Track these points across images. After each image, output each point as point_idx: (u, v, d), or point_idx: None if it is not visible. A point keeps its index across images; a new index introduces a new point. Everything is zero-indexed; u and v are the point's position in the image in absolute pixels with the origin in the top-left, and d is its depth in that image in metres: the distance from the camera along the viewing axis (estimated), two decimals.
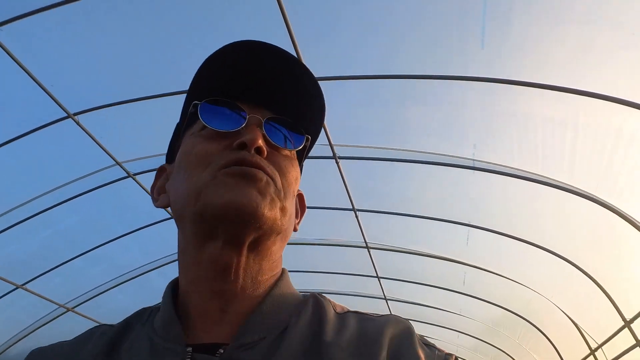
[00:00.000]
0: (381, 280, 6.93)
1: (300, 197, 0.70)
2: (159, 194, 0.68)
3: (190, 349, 0.52)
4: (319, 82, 0.64)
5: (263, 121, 0.60)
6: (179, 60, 3.92)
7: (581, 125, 2.89)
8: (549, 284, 4.90)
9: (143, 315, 0.63)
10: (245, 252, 0.55)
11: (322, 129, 3.56)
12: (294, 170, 0.63)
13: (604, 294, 4.27)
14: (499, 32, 2.64)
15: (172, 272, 6.90)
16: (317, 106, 0.65)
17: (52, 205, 5.33)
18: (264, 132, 0.60)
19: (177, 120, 0.70)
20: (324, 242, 6.25)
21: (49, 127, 4.48)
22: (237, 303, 0.56)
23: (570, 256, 4.32)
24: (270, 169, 0.58)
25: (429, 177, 4.19)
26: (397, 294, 7.39)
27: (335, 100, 3.48)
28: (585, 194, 3.47)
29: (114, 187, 5.35)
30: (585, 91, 2.68)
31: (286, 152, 0.63)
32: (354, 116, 3.70)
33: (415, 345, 0.54)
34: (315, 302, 0.61)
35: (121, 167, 5.16)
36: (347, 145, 4.23)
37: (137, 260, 6.83)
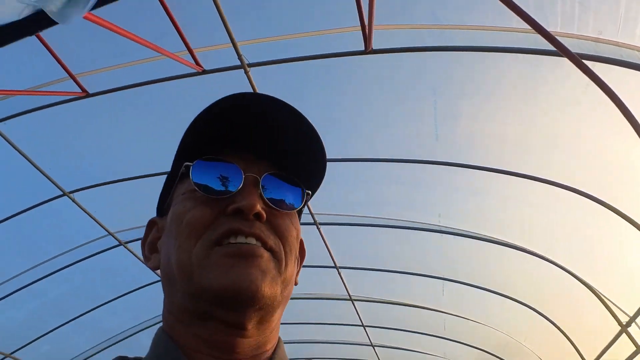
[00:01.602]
0: (367, 328, 7.16)
1: (300, 244, 0.64)
2: (150, 252, 0.64)
3: None
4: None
5: (260, 179, 0.56)
6: (163, 145, 4.31)
7: (525, 199, 3.35)
8: (520, 329, 5.25)
9: None
10: (250, 331, 0.53)
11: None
12: (294, 229, 0.60)
13: (567, 339, 4.68)
14: (448, 128, 3.11)
15: None
16: (318, 159, 0.62)
17: (43, 276, 5.47)
18: (261, 191, 0.56)
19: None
20: (311, 296, 6.50)
21: (45, 204, 4.73)
22: None
23: (535, 305, 4.69)
24: (270, 239, 0.55)
25: (403, 238, 4.59)
26: (383, 341, 7.61)
27: (329, 176, 3.87)
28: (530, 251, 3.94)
29: (104, 255, 5.55)
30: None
31: (287, 207, 0.58)
32: (336, 192, 4.11)
33: None
34: None
35: (113, 236, 5.39)
36: (327, 214, 4.60)
37: (126, 323, 6.91)
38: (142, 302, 6.48)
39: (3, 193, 4.60)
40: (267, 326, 0.55)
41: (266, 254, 0.54)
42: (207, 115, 0.57)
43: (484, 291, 4.94)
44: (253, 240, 0.53)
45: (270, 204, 0.56)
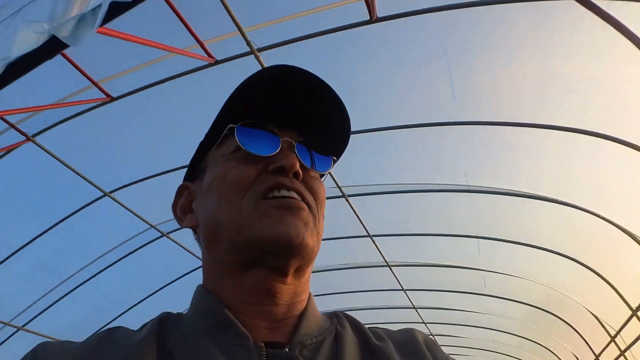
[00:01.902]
0: (407, 292, 7.30)
1: None
2: (184, 213, 0.68)
3: (262, 344, 0.52)
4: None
5: (295, 144, 0.62)
6: (189, 137, 4.48)
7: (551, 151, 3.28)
8: (562, 280, 5.21)
9: (169, 320, 0.61)
10: (289, 278, 0.57)
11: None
12: (323, 190, 0.65)
13: (610, 287, 4.60)
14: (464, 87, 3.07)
15: None
16: (343, 129, 0.67)
17: (98, 271, 5.90)
18: (297, 154, 0.61)
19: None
20: (348, 266, 6.68)
21: (90, 205, 5.06)
22: (283, 318, 0.58)
23: (575, 255, 4.63)
24: (307, 195, 0.60)
25: (432, 202, 4.61)
26: (424, 303, 7.75)
27: (351, 150, 3.94)
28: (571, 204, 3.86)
29: (149, 247, 5.89)
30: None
31: (315, 172, 0.64)
32: (361, 163, 4.17)
33: (440, 348, 0.64)
34: (346, 316, 0.65)
35: (155, 228, 5.70)
36: (354, 186, 4.68)
37: (178, 307, 7.34)
38: (189, 287, 6.86)
39: (51, 200, 4.95)
40: (303, 275, 0.60)
41: (306, 207, 0.59)
42: (242, 90, 0.62)
43: (521, 246, 4.90)
44: (294, 194, 0.58)
45: (305, 165, 0.61)
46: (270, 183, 0.58)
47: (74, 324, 6.39)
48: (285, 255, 0.56)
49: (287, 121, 0.64)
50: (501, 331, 8.12)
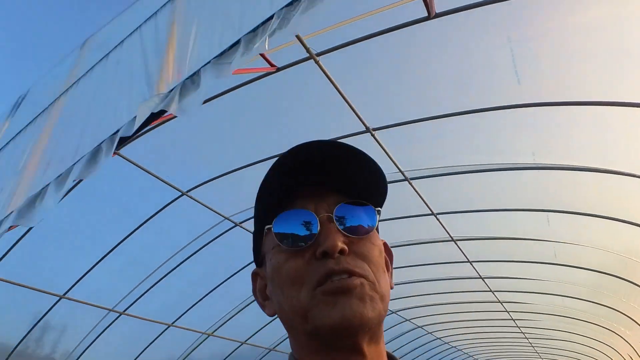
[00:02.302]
0: (473, 264, 7.35)
1: (385, 248, 0.70)
2: (263, 299, 0.70)
3: None
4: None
5: (333, 214, 0.62)
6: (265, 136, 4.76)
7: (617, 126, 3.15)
8: (636, 249, 5.02)
9: None
10: (365, 350, 0.59)
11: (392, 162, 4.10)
12: (375, 246, 0.65)
13: None
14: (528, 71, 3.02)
15: None
16: (379, 178, 0.67)
17: (182, 261, 6.50)
18: (337, 226, 0.61)
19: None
20: (414, 242, 6.82)
21: (171, 204, 5.55)
22: None
23: None
24: (358, 267, 0.60)
25: (500, 180, 4.59)
26: (492, 274, 7.76)
27: (411, 137, 4.05)
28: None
29: (225, 236, 6.37)
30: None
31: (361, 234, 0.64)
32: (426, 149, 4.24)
33: None
34: None
35: (229, 220, 6.14)
36: (418, 169, 4.77)
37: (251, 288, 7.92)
38: None
39: (137, 203, 5.49)
40: (377, 341, 0.62)
41: (358, 281, 0.59)
42: (271, 177, 0.64)
43: (592, 217, 4.77)
44: (345, 276, 0.59)
45: (349, 234, 0.62)
46: (319, 275, 0.59)
47: (166, 307, 7.14)
48: (352, 336, 0.57)
49: (323, 187, 0.65)
50: (572, 297, 7.98)
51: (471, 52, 3.05)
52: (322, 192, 0.65)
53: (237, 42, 1.47)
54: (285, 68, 3.62)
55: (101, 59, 2.82)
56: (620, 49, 2.90)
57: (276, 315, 0.67)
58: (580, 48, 2.94)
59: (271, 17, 1.37)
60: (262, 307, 0.70)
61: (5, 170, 2.90)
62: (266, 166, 4.24)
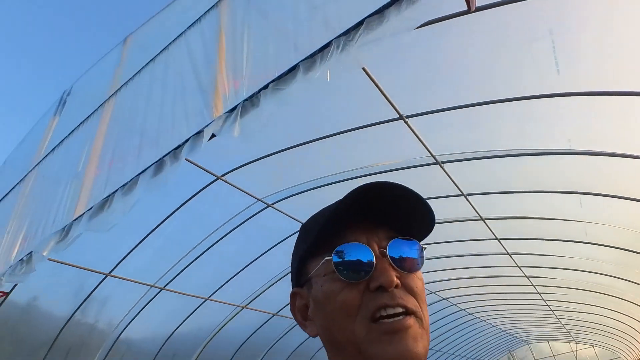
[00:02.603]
0: (501, 241, 7.40)
1: None
2: (303, 319, 0.73)
3: None
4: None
5: (387, 250, 0.66)
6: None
7: None
8: None
9: None
10: None
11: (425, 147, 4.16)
12: (422, 280, 0.69)
13: None
14: (568, 63, 2.98)
15: None
16: (430, 219, 0.71)
17: (217, 240, 6.78)
18: (391, 261, 0.66)
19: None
20: (443, 220, 6.90)
21: (205, 189, 5.76)
22: None
23: None
24: (410, 302, 0.64)
25: (527, 165, 4.59)
26: (519, 250, 7.82)
27: (443, 124, 4.08)
28: None
29: (258, 217, 6.58)
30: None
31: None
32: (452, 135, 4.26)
33: None
34: None
35: (262, 201, 6.34)
36: (450, 153, 4.81)
37: (284, 264, 8.21)
38: (291, 248, 7.61)
39: (175, 187, 5.71)
40: None
41: (411, 320, 0.63)
42: (335, 211, 0.68)
43: (623, 200, 4.76)
44: (399, 309, 0.63)
45: (401, 269, 0.66)
46: (374, 307, 0.63)
47: (202, 283, 7.52)
48: None
49: (380, 219, 0.70)
50: (599, 273, 7.99)
51: (508, 45, 3.02)
52: (371, 226, 0.69)
53: (295, 67, 1.54)
54: None
55: (148, 63, 2.92)
56: None
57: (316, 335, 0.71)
58: (616, 41, 2.87)
59: (329, 45, 1.43)
60: (303, 326, 0.73)
61: (63, 170, 3.08)
62: (300, 151, 4.38)
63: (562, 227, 6.16)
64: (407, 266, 0.67)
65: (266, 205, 6.43)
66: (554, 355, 20.90)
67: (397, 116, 4.26)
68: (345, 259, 0.66)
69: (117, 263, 6.29)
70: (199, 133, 1.81)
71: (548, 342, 20.88)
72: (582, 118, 3.57)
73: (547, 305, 12.30)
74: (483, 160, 4.82)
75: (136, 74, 2.95)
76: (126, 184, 2.02)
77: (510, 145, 4.38)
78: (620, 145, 3.74)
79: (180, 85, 2.24)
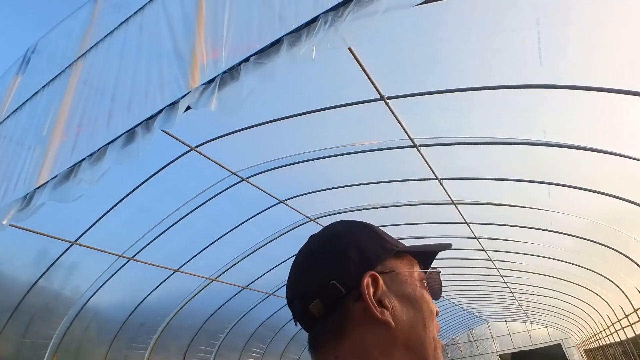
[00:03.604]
0: (470, 225, 7.60)
1: None
2: (381, 306, 0.76)
3: None
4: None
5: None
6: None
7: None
8: (625, 222, 5.16)
9: None
10: None
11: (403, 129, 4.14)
12: None
13: None
14: (553, 54, 2.99)
15: (285, 242, 8.23)
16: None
17: (189, 211, 6.67)
18: None
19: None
20: (415, 203, 7.00)
21: (179, 159, 5.61)
22: None
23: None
24: None
25: (502, 153, 4.67)
26: (487, 235, 8.05)
27: (419, 107, 4.06)
28: None
29: (231, 190, 6.49)
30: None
31: None
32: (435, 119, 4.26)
33: None
34: None
35: (236, 175, 6.24)
36: (427, 137, 4.82)
37: (256, 238, 8.20)
38: (266, 222, 7.58)
39: (148, 156, 5.53)
40: None
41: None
42: (431, 251, 0.89)
43: (589, 192, 4.94)
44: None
45: None
46: (438, 328, 0.80)
47: (172, 255, 7.43)
48: None
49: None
50: (560, 260, 8.35)
51: (492, 33, 3.01)
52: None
53: (279, 41, 1.46)
54: None
55: (121, 24, 2.76)
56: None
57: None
58: (601, 38, 2.90)
59: (316, 19, 1.36)
60: (380, 313, 0.75)
61: (27, 133, 2.92)
62: (277, 126, 4.26)
63: (529, 214, 6.36)
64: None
65: (241, 179, 6.34)
66: (510, 334, 22.01)
67: (378, 96, 4.22)
68: (437, 282, 0.85)
69: (84, 231, 6.12)
70: (174, 104, 1.72)
71: (506, 321, 21.94)
72: (558, 111, 3.62)
73: (509, 287, 12.84)
74: (459, 146, 4.87)
75: (108, 35, 2.78)
76: (94, 152, 1.92)
77: (488, 132, 4.43)
78: (592, 140, 3.84)
79: (156, 51, 2.12)
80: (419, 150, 5.12)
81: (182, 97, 1.67)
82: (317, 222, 8.07)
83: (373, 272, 0.77)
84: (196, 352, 10.22)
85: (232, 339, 10.94)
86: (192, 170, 6.03)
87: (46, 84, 3.14)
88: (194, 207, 6.66)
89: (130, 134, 1.84)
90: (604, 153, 3.88)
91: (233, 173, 6.19)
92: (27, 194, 2.18)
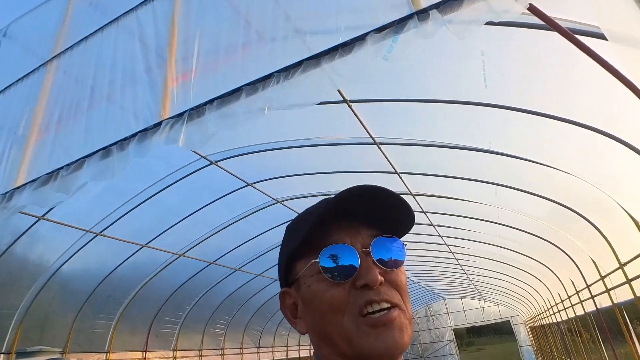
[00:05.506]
0: (427, 214, 8.11)
1: None
2: (294, 317, 0.76)
3: None
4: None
5: (370, 248, 0.70)
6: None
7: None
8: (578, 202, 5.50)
9: None
10: None
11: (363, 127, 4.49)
12: (403, 275, 0.72)
13: (628, 215, 4.63)
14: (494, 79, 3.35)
15: (253, 221, 8.53)
16: (411, 219, 0.75)
17: (159, 190, 6.84)
18: (374, 259, 0.69)
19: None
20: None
21: None
22: None
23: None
24: (394, 296, 0.69)
25: (456, 156, 5.09)
26: (440, 223, 8.61)
27: (385, 113, 4.38)
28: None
29: (201, 172, 6.69)
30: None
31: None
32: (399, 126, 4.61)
33: None
34: None
35: (205, 158, 6.43)
36: (389, 137, 5.19)
37: (224, 217, 8.45)
38: (234, 202, 7.83)
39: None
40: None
41: (396, 313, 0.68)
42: (318, 213, 0.72)
43: (529, 194, 5.51)
44: (384, 304, 0.68)
45: (385, 267, 0.70)
46: (362, 302, 0.68)
47: (141, 231, 7.61)
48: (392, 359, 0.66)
49: (358, 221, 0.74)
50: (505, 248, 9.07)
51: (448, 58, 3.32)
52: (354, 225, 0.73)
53: (239, 90, 1.69)
54: None
55: (96, 31, 2.89)
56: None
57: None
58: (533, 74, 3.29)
59: (270, 76, 1.60)
60: (293, 324, 0.76)
61: (3, 125, 3.04)
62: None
63: (480, 208, 6.90)
64: (390, 263, 0.71)
65: (210, 163, 6.53)
66: (464, 310, 23.42)
67: (342, 99, 4.50)
68: (331, 261, 0.70)
69: (50, 207, 6.21)
70: (145, 131, 1.93)
71: (461, 298, 23.28)
72: (500, 126, 4.04)
73: (463, 269, 13.72)
74: (417, 147, 5.25)
75: (82, 40, 2.90)
76: (72, 163, 2.11)
77: (442, 138, 4.81)
78: (525, 152, 4.32)
79: (131, 71, 2.30)
80: (379, 147, 5.47)
81: (153, 129, 1.89)
82: (283, 204, 8.39)
83: (283, 289, 0.79)
84: (162, 323, 10.56)
85: (198, 310, 11.32)
86: (162, 153, 6.17)
87: (20, 79, 3.24)
88: (164, 187, 6.83)
89: (105, 152, 2.05)
90: (536, 163, 4.38)
91: (202, 157, 6.38)
92: (7, 192, 2.37)
